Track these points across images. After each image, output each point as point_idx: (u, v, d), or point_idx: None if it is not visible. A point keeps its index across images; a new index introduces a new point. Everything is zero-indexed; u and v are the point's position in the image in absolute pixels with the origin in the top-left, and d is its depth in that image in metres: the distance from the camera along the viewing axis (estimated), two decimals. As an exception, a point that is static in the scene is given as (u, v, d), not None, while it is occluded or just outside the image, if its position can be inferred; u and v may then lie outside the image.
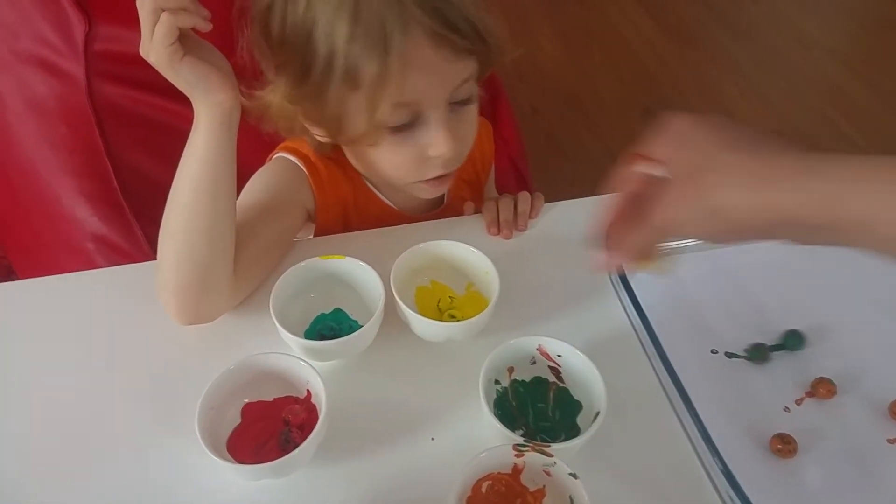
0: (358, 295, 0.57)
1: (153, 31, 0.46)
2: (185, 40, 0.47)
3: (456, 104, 0.56)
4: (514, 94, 1.06)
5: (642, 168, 0.42)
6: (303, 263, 0.56)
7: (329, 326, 0.56)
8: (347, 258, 0.56)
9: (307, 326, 0.56)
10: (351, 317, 0.57)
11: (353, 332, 0.52)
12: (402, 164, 0.58)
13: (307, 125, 0.59)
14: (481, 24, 0.52)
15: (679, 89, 1.80)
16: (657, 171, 0.41)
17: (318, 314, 0.57)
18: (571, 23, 1.98)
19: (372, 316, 0.53)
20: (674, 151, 0.40)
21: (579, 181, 1.49)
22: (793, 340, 0.58)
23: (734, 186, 0.36)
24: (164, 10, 0.45)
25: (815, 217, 0.34)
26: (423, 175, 0.59)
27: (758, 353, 0.57)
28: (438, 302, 0.58)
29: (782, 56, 1.90)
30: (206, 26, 0.47)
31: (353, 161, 0.65)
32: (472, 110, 0.58)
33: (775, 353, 0.57)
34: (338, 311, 0.57)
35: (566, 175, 1.50)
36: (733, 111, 1.73)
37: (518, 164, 0.96)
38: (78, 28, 0.85)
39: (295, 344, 0.52)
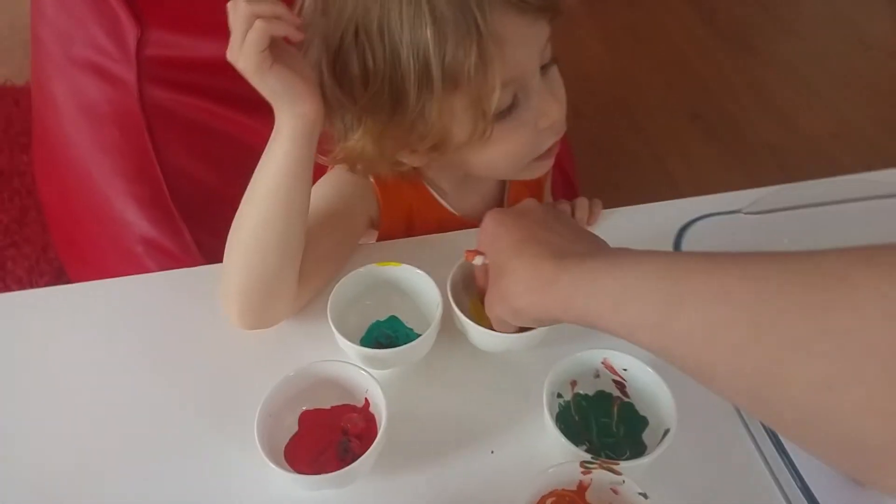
0: (413, 302, 0.56)
1: (244, 37, 0.45)
2: (275, 47, 0.46)
3: (544, 68, 0.55)
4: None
5: (476, 259, 0.51)
6: (359, 270, 0.55)
7: (385, 334, 0.55)
8: (404, 265, 0.55)
9: (363, 333, 0.55)
10: (407, 325, 0.56)
11: (410, 339, 0.51)
12: (515, 148, 0.56)
13: (400, 155, 0.57)
14: None
15: (731, 93, 1.76)
16: (479, 260, 0.51)
17: (374, 321, 0.56)
18: (618, 24, 1.95)
19: (427, 324, 0.52)
20: (488, 249, 0.50)
21: (625, 186, 1.47)
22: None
23: (521, 292, 0.44)
24: (258, 17, 0.44)
25: (563, 315, 0.42)
26: (537, 151, 0.58)
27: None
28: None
29: (841, 58, 1.84)
30: (298, 35, 0.47)
31: (431, 173, 0.64)
32: (557, 69, 0.57)
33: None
34: (393, 318, 0.56)
35: (611, 180, 1.47)
36: (789, 116, 1.68)
37: (566, 168, 0.95)
38: (130, 33, 0.87)
39: (352, 351, 0.51)
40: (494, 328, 0.50)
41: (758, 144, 1.63)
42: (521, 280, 0.44)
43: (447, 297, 0.52)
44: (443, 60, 0.48)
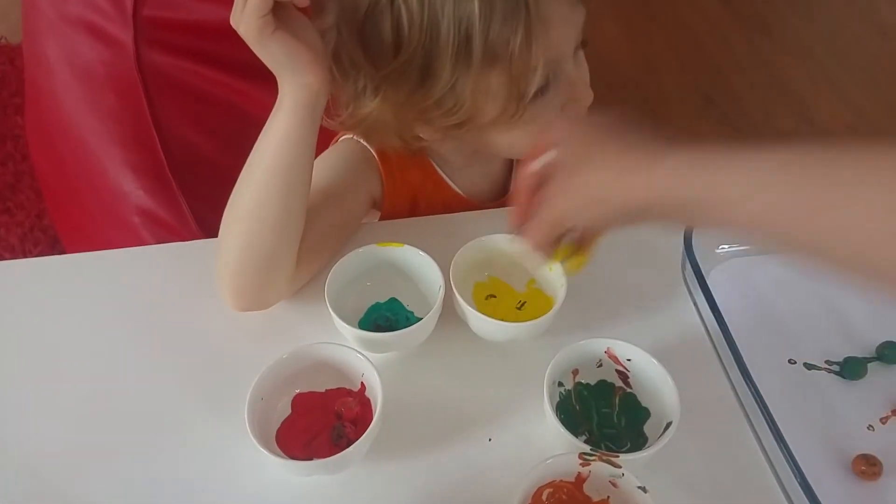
0: (415, 284, 0.54)
1: (245, 0, 0.42)
2: (280, 12, 0.44)
3: (575, 50, 0.53)
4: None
5: (539, 160, 0.45)
6: (359, 250, 0.53)
7: (385, 317, 0.54)
8: (406, 246, 0.53)
9: (362, 315, 0.54)
10: (407, 307, 0.54)
11: (410, 323, 0.50)
12: (539, 130, 0.53)
13: (418, 129, 0.55)
14: None
15: (746, 78, 1.71)
16: (548, 155, 0.45)
17: (374, 303, 0.54)
18: (634, 5, 1.90)
19: (428, 307, 0.50)
20: (564, 143, 0.45)
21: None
22: (892, 352, 0.53)
23: (609, 178, 0.41)
24: None
25: (668, 197, 0.39)
26: None
27: (854, 367, 0.53)
28: (492, 297, 0.55)
29: (860, 45, 1.79)
30: (303, 1, 0.44)
31: (438, 146, 0.61)
32: (583, 53, 0.55)
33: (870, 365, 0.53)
34: (393, 300, 0.55)
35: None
36: (805, 102, 1.64)
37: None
38: (127, -9, 0.83)
39: (350, 334, 0.49)
40: (555, 223, 0.45)
41: (771, 132, 1.60)
42: (611, 167, 0.41)
43: (449, 282, 0.51)
44: (486, 36, 0.46)
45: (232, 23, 0.44)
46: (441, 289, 0.50)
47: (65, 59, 0.85)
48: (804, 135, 1.58)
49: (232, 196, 0.52)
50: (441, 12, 0.46)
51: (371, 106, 0.51)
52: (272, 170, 0.49)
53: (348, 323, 0.49)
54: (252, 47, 0.45)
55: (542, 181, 0.45)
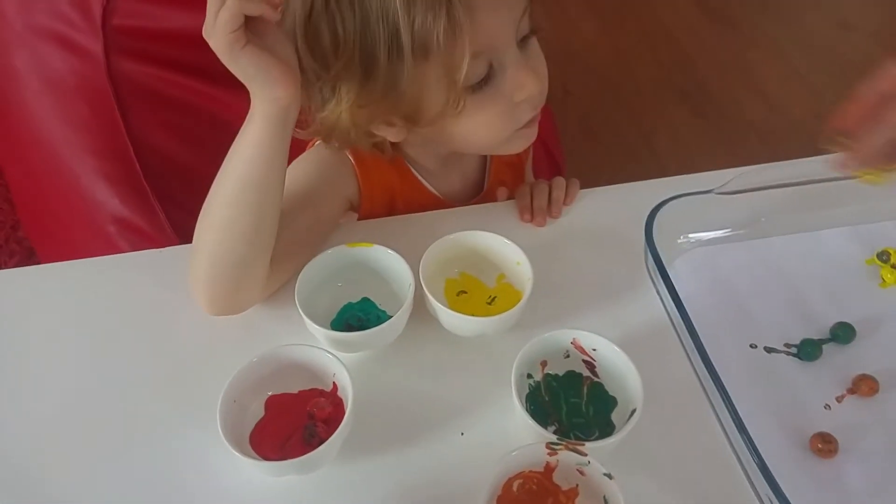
0: (387, 284, 0.55)
1: (217, 15, 0.43)
2: (252, 26, 0.44)
3: (522, 40, 0.54)
4: (546, 75, 1.04)
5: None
6: (329, 251, 0.54)
7: (356, 316, 0.55)
8: (375, 246, 0.54)
9: (334, 316, 0.54)
10: (379, 307, 0.55)
11: (381, 322, 0.51)
12: (491, 121, 0.55)
13: (376, 128, 0.56)
14: None
15: (718, 72, 1.74)
16: None
17: (346, 303, 0.55)
18: (607, 1, 1.92)
19: (400, 305, 0.51)
20: None
21: (613, 166, 1.47)
22: (844, 333, 0.55)
23: None
24: None
25: None
26: (516, 124, 0.57)
27: (809, 349, 0.54)
28: (463, 293, 0.57)
29: (824, 39, 1.83)
30: (274, 16, 0.45)
31: (412, 151, 0.63)
32: (536, 42, 0.56)
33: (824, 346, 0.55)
34: (365, 300, 0.55)
35: (599, 159, 1.46)
36: (773, 94, 1.67)
37: (551, 148, 0.93)
38: (95, 1, 0.83)
39: (321, 335, 0.50)
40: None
41: (743, 123, 1.62)
42: None
43: (419, 281, 0.52)
44: (412, 27, 0.47)
45: (204, 35, 0.45)
46: (411, 286, 0.51)
47: (34, 70, 0.84)
48: (774, 127, 1.61)
49: (204, 206, 0.52)
50: (370, 8, 0.47)
51: (329, 110, 0.53)
52: (243, 182, 0.50)
53: (321, 324, 0.50)
54: (223, 61, 0.45)
55: (886, 101, 0.43)
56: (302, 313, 0.50)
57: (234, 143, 0.51)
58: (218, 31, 0.43)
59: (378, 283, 0.55)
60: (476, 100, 0.53)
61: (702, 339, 0.51)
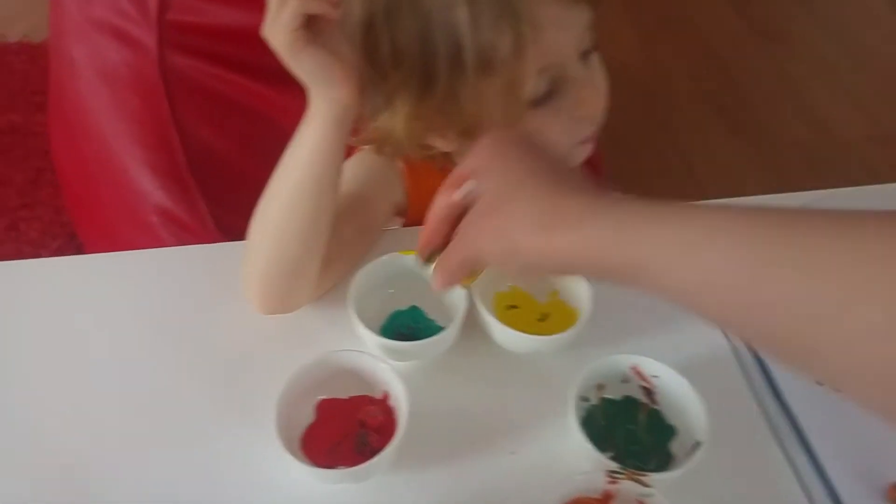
0: (436, 293, 0.54)
1: (278, 13, 0.42)
2: (313, 24, 0.44)
3: (584, 55, 0.52)
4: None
5: (456, 191, 0.42)
6: (382, 258, 0.53)
7: (407, 325, 0.53)
8: None
9: (384, 322, 0.53)
10: (428, 316, 0.54)
11: (431, 331, 0.50)
12: (550, 136, 0.54)
13: (431, 139, 0.55)
14: None
15: (759, 87, 1.70)
16: (469, 186, 0.41)
17: (395, 310, 0.54)
18: (649, 12, 1.89)
19: (448, 315, 0.50)
20: (482, 174, 0.40)
21: (647, 178, 1.44)
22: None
23: (527, 228, 0.37)
24: None
25: (594, 260, 0.35)
26: (574, 140, 0.55)
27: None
28: (513, 308, 0.55)
29: (878, 55, 1.77)
30: (335, 14, 0.44)
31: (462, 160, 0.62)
32: (597, 57, 0.54)
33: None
34: (414, 308, 0.54)
35: (633, 172, 1.44)
36: (820, 114, 1.62)
37: (593, 160, 0.91)
38: (152, -5, 0.84)
39: (373, 342, 0.49)
40: (469, 261, 0.41)
41: (787, 144, 1.58)
42: (529, 214, 0.37)
43: (472, 292, 0.50)
44: (477, 43, 0.46)
45: (264, 35, 0.44)
46: (463, 300, 0.50)
47: (90, 61, 0.85)
48: (820, 148, 1.57)
49: (261, 203, 0.52)
50: (433, 21, 0.46)
51: (383, 120, 0.52)
52: (301, 182, 0.49)
53: (371, 329, 0.49)
54: (284, 60, 0.45)
55: (460, 211, 0.42)
56: (355, 319, 0.49)
57: (292, 143, 0.50)
58: (279, 29, 0.43)
59: (427, 292, 0.54)
60: (537, 115, 0.52)
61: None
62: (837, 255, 0.28)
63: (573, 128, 0.54)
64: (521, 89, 0.49)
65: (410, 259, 0.53)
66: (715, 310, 0.32)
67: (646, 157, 1.55)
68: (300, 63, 0.45)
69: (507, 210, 0.38)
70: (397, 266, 0.54)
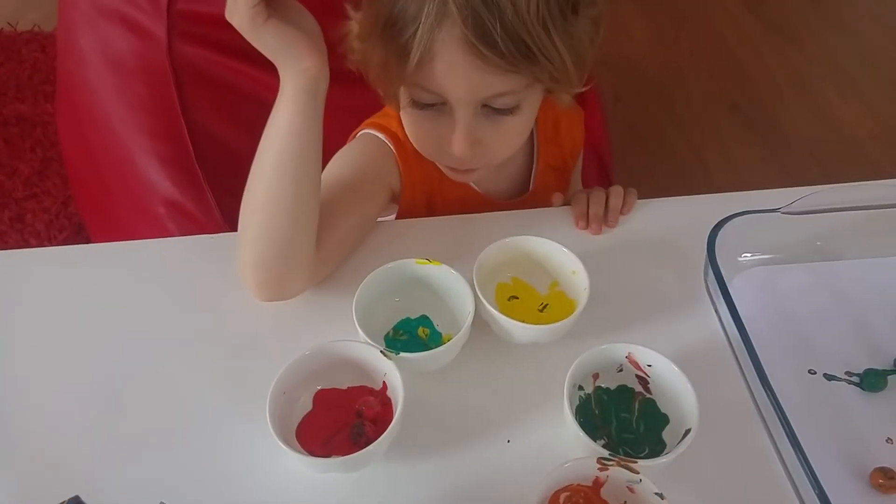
0: (442, 300, 0.54)
1: None
2: (273, 1, 0.45)
3: (491, 109, 0.53)
4: (597, 81, 1.01)
5: None
6: (392, 264, 0.53)
7: (409, 332, 0.54)
8: (443, 265, 0.53)
9: (392, 326, 0.54)
10: (435, 325, 0.54)
11: (434, 340, 0.51)
12: (420, 139, 0.57)
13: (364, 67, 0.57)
14: (537, 44, 0.48)
15: (773, 86, 1.69)
16: None
17: (404, 318, 0.54)
18: (663, 9, 1.88)
19: (452, 322, 0.51)
20: None
21: (661, 175, 1.44)
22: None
23: None
24: None
25: None
26: (441, 160, 0.58)
27: (873, 380, 0.52)
28: (514, 299, 0.56)
29: (890, 56, 1.76)
30: None
31: None
32: (512, 122, 0.54)
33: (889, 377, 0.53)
34: (424, 317, 0.54)
35: (646, 168, 1.44)
36: (831, 113, 1.62)
37: (602, 154, 0.92)
38: (161, -14, 0.85)
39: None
40: None
41: (796, 140, 1.58)
42: None
43: (473, 285, 0.51)
44: (397, 15, 0.48)
45: (227, 16, 0.45)
46: (470, 315, 0.50)
47: (98, 50, 0.86)
48: (830, 145, 1.56)
49: (246, 187, 0.52)
50: None
51: (353, 22, 0.55)
52: (280, 158, 0.50)
53: (376, 332, 0.50)
54: (247, 37, 0.46)
55: None
56: (358, 328, 0.49)
57: (269, 120, 0.51)
58: (239, 8, 0.44)
59: (433, 298, 0.54)
60: (415, 113, 0.55)
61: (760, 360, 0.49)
62: None
63: (438, 148, 0.56)
64: (394, 78, 0.52)
65: (424, 268, 0.53)
66: None
67: (659, 152, 1.55)
68: (263, 39, 0.45)
69: None
70: (407, 273, 0.53)
